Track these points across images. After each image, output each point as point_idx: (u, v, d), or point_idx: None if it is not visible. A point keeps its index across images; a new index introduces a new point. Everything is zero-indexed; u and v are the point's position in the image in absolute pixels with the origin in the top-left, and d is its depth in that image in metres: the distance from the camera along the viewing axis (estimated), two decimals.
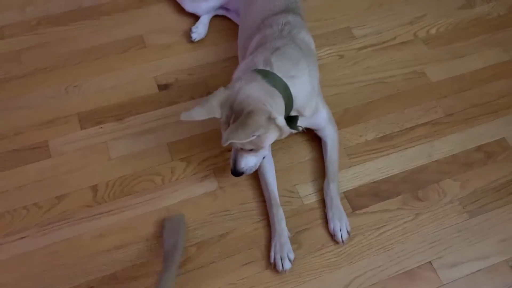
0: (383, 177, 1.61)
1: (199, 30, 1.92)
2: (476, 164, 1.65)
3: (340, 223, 1.46)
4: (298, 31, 1.54)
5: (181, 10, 2.01)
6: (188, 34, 1.93)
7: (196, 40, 1.91)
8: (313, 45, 1.61)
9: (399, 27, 2.01)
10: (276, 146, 1.65)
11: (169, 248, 1.38)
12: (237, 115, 1.27)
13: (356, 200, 1.56)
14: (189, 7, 1.96)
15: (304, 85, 1.42)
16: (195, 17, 1.97)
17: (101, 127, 1.69)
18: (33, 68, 1.83)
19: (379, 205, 1.55)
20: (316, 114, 1.53)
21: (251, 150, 1.37)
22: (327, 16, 2.03)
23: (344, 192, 1.58)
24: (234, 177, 1.46)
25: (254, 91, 1.29)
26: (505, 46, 1.96)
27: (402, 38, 1.97)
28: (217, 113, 1.31)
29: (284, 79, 1.34)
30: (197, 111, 1.30)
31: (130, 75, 1.83)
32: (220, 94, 1.31)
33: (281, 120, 1.31)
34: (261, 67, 1.37)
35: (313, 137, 1.66)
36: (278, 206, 1.49)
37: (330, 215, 1.48)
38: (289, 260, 1.41)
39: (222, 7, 1.98)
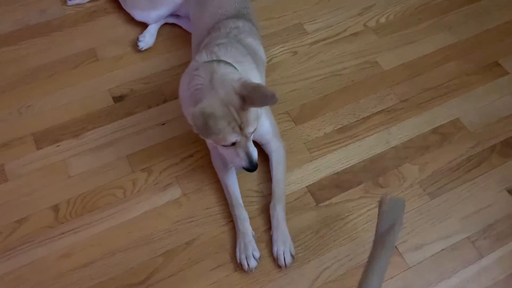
0: (343, 168, 1.63)
1: (146, 39, 1.91)
2: (433, 147, 1.69)
3: (284, 247, 1.44)
4: (245, 36, 1.55)
5: (131, 20, 1.99)
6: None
7: (143, 49, 1.90)
8: (261, 52, 1.62)
9: (349, 19, 2.04)
10: None
11: (383, 230, 1.32)
12: (249, 95, 1.23)
13: (319, 194, 1.58)
14: (139, 16, 1.95)
15: (253, 71, 1.43)
16: (146, 26, 1.95)
17: (58, 145, 1.67)
18: None
19: (342, 195, 1.57)
20: (259, 122, 1.42)
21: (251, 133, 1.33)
22: (278, 14, 2.04)
23: (306, 186, 1.59)
24: (195, 182, 1.49)
25: (230, 73, 1.29)
26: (453, 28, 2.01)
27: (353, 29, 2.01)
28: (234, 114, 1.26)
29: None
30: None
31: (84, 90, 1.81)
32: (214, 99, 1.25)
33: None
34: (205, 59, 1.36)
35: None
36: (241, 207, 1.49)
37: (274, 237, 1.46)
38: (255, 258, 1.41)
39: (172, 14, 1.97)
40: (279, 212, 1.48)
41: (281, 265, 1.43)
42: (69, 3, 2.03)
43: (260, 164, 1.63)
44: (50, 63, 1.88)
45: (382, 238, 1.30)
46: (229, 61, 1.35)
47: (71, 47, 1.93)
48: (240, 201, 1.51)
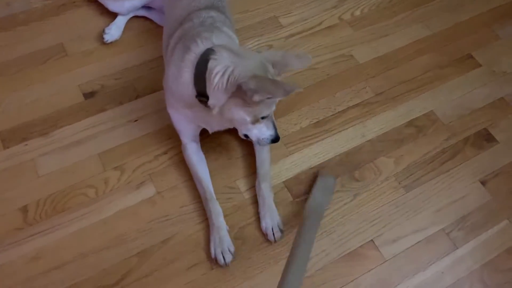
0: (320, 162, 1.63)
1: (112, 32, 1.86)
2: (408, 139, 1.70)
3: (272, 222, 1.45)
4: (221, 25, 1.51)
5: (102, 14, 1.93)
6: None
7: (109, 41, 1.85)
8: (237, 41, 1.59)
9: (324, 12, 2.03)
10: (212, 144, 1.63)
11: (314, 204, 1.31)
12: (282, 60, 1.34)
13: (296, 188, 1.57)
14: (112, 6, 1.89)
15: None
16: None
17: (26, 144, 1.60)
18: None
19: None
20: None
21: None
22: (252, 7, 2.01)
23: (284, 181, 1.58)
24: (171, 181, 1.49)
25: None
26: (426, 21, 2.02)
27: (328, 22, 1.99)
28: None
29: None
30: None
31: (53, 87, 1.75)
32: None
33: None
34: (203, 47, 1.32)
35: None
36: (214, 201, 1.48)
37: (262, 214, 1.48)
38: (230, 253, 1.40)
39: (145, 6, 1.92)
40: (264, 190, 1.49)
41: (271, 240, 1.45)
42: None
43: (235, 160, 1.62)
44: (17, 58, 1.81)
45: (311, 212, 1.32)
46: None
47: (39, 42, 1.85)
48: (213, 194, 1.49)
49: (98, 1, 1.93)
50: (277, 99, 1.31)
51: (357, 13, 2.03)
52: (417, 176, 1.62)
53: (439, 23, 2.03)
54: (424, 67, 1.88)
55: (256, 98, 1.22)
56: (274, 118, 1.41)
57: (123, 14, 1.90)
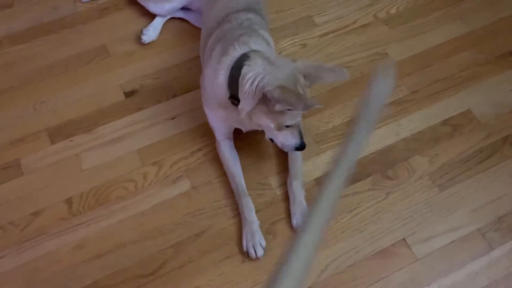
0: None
1: (149, 33, 1.93)
2: (443, 138, 1.67)
3: (303, 219, 1.47)
4: (258, 27, 1.55)
5: (142, 15, 2.01)
6: None
7: (146, 42, 1.92)
8: (272, 44, 1.62)
9: (359, 10, 2.02)
10: (246, 141, 1.67)
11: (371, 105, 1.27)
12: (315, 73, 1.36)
13: None
14: (153, 8, 1.96)
15: None
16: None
17: (71, 140, 1.70)
18: None
19: (350, 188, 1.57)
20: None
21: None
22: (287, 6, 2.04)
23: (315, 179, 1.60)
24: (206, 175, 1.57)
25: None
26: (465, 18, 1.98)
27: (363, 21, 1.99)
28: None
29: None
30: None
31: (96, 86, 1.84)
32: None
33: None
34: (240, 51, 1.37)
35: None
36: (246, 196, 1.52)
37: (292, 211, 1.50)
38: (262, 247, 1.44)
39: (183, 8, 1.98)
40: (295, 187, 1.52)
41: None
42: (83, 0, 2.06)
43: (267, 157, 1.65)
44: (63, 59, 1.92)
45: (367, 111, 1.22)
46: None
47: (83, 43, 1.96)
48: (245, 190, 1.53)
49: (139, 4, 2.01)
50: (301, 111, 1.33)
51: (393, 11, 2.01)
52: (452, 175, 1.59)
53: (478, 19, 1.98)
54: (461, 65, 1.85)
55: (278, 107, 1.28)
56: (302, 126, 1.44)
57: (162, 16, 1.97)
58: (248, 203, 1.50)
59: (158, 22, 1.96)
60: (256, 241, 1.43)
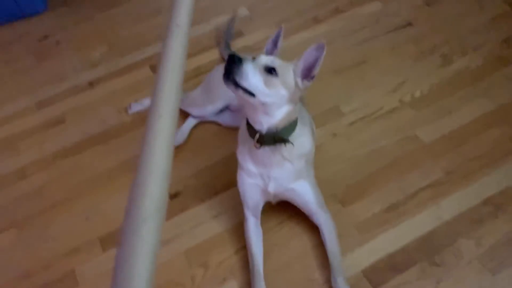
0: (397, 249, 1.63)
1: (177, 138, 2.02)
2: (487, 219, 1.66)
3: None
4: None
5: (183, 119, 2.15)
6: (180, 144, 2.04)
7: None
8: (313, 126, 1.71)
9: (384, 96, 2.12)
10: (285, 233, 1.70)
11: None
12: None
13: (375, 277, 1.57)
14: (196, 112, 2.07)
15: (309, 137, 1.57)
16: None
17: None
18: (54, 200, 1.97)
19: (399, 278, 1.56)
20: (299, 182, 1.57)
21: (270, 72, 1.34)
22: (315, 99, 2.14)
23: (362, 271, 1.59)
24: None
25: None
26: (489, 95, 2.03)
27: (389, 106, 2.07)
28: None
29: None
30: None
31: None
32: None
33: (300, 82, 1.39)
34: None
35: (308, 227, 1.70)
36: (262, 281, 1.54)
37: None
38: None
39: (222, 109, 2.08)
40: (340, 284, 1.50)
41: None
42: (130, 112, 2.24)
43: (312, 248, 1.67)
44: (111, 168, 2.06)
45: None
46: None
47: (129, 151, 2.10)
48: (262, 273, 1.56)
49: (180, 109, 2.16)
50: None
51: (417, 94, 2.09)
52: (503, 257, 1.56)
53: (504, 94, 2.03)
54: (494, 141, 1.87)
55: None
56: (253, 63, 1.36)
57: (199, 119, 2.11)
58: (261, 286, 1.52)
59: (187, 127, 2.08)
60: None
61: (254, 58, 1.37)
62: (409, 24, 2.42)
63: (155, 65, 2.47)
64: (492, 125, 1.92)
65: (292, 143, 1.44)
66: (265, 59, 1.37)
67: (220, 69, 1.25)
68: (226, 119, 2.11)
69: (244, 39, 2.52)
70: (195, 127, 2.12)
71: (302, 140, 1.51)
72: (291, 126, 1.45)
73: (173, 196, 1.91)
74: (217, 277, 1.65)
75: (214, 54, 2.46)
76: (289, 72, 1.38)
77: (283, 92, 1.36)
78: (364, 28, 2.45)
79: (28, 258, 1.79)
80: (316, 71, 1.37)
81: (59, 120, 2.28)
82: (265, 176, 1.55)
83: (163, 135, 0.92)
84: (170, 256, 1.73)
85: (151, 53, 2.54)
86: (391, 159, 1.88)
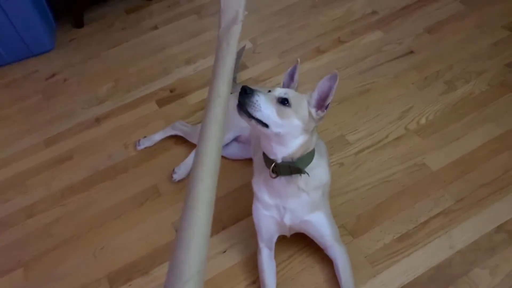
0: (410, 280, 1.59)
1: (181, 171, 2.03)
2: (501, 246, 1.63)
3: None
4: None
5: (188, 153, 2.16)
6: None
7: (177, 180, 2.03)
8: (326, 149, 1.71)
9: (390, 124, 2.12)
10: (284, 275, 1.68)
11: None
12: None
13: None
14: None
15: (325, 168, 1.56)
16: None
17: (130, 285, 1.76)
18: (62, 239, 1.96)
19: None
20: (315, 214, 1.55)
21: (283, 103, 1.36)
22: (320, 129, 2.15)
23: None
24: None
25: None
26: (496, 120, 2.03)
27: (395, 134, 2.07)
28: None
29: None
30: None
31: (150, 226, 1.94)
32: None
33: (314, 112, 1.40)
34: None
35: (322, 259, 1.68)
36: None
37: None
38: None
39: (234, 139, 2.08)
40: None
41: None
42: (139, 148, 2.25)
43: (324, 282, 1.64)
44: (118, 203, 2.06)
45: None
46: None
47: (135, 186, 2.11)
48: None
49: (185, 143, 2.17)
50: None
51: (423, 121, 2.09)
52: None
53: (510, 119, 2.02)
54: (504, 166, 1.85)
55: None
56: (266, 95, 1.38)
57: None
58: None
59: (190, 160, 2.06)
60: None
61: (270, 91, 1.40)
62: (411, 52, 2.45)
63: (160, 100, 2.50)
64: (500, 150, 1.91)
65: (308, 174, 1.44)
66: (279, 91, 1.40)
67: (232, 100, 1.28)
68: (232, 152, 2.11)
69: (248, 71, 2.55)
70: None
71: (319, 171, 1.51)
72: (308, 156, 1.45)
73: None
74: None
75: None
76: (303, 103, 1.39)
77: (296, 123, 1.37)
78: (366, 57, 2.48)
79: None
80: (329, 100, 1.38)
81: (67, 157, 2.30)
82: (281, 207, 1.54)
83: (205, 200, 0.97)
84: None
85: (157, 88, 2.58)
86: (399, 187, 1.87)
